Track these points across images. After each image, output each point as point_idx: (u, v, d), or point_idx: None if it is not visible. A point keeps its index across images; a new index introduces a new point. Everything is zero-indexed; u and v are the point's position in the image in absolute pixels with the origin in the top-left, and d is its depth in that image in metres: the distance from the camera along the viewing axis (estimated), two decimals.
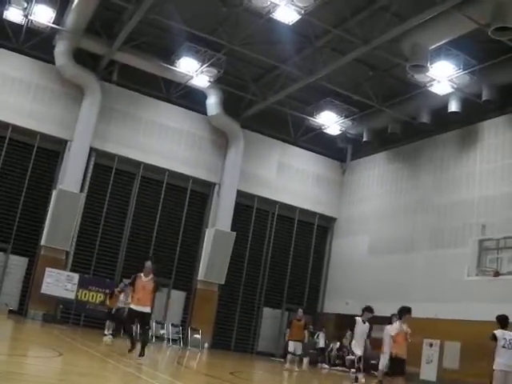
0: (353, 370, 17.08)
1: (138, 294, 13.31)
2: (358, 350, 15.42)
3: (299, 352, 19.66)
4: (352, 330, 15.63)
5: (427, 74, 21.74)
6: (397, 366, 12.04)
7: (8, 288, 23.74)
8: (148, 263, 13.54)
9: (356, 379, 15.63)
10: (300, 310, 20.28)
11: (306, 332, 20.45)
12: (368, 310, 15.46)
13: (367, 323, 15.40)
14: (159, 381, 10.12)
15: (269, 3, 19.34)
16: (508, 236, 18.94)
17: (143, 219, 26.79)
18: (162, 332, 24.55)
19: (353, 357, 17.28)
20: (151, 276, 13.45)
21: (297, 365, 19.47)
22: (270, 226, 29.96)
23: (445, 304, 22.97)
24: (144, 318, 13.50)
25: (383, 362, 14.84)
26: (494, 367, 10.63)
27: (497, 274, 18.63)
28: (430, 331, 23.34)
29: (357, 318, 15.39)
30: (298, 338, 19.44)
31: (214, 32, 22.79)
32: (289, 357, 19.36)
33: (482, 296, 21.11)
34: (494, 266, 18.94)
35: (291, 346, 19.30)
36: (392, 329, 12.46)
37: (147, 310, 13.33)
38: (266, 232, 29.82)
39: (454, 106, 23.58)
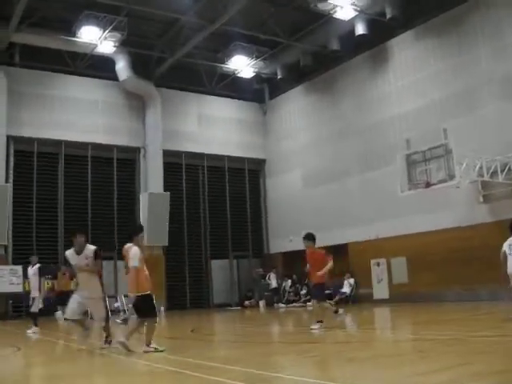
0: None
1: None
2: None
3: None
4: None
5: (329, 1, 21.78)
6: None
7: None
8: None
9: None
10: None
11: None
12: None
13: None
14: (124, 354, 10.15)
15: None
16: (432, 146, 19.41)
17: (75, 197, 26.29)
18: (116, 305, 24.48)
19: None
20: None
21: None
22: (203, 179, 29.96)
23: (384, 223, 23.65)
24: None
25: None
26: None
27: (428, 184, 19.14)
28: (375, 251, 24.08)
29: None
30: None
31: None
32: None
33: (417, 208, 21.81)
34: (424, 177, 19.44)
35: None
36: None
37: None
38: (199, 186, 29.83)
39: (360, 29, 23.76)
